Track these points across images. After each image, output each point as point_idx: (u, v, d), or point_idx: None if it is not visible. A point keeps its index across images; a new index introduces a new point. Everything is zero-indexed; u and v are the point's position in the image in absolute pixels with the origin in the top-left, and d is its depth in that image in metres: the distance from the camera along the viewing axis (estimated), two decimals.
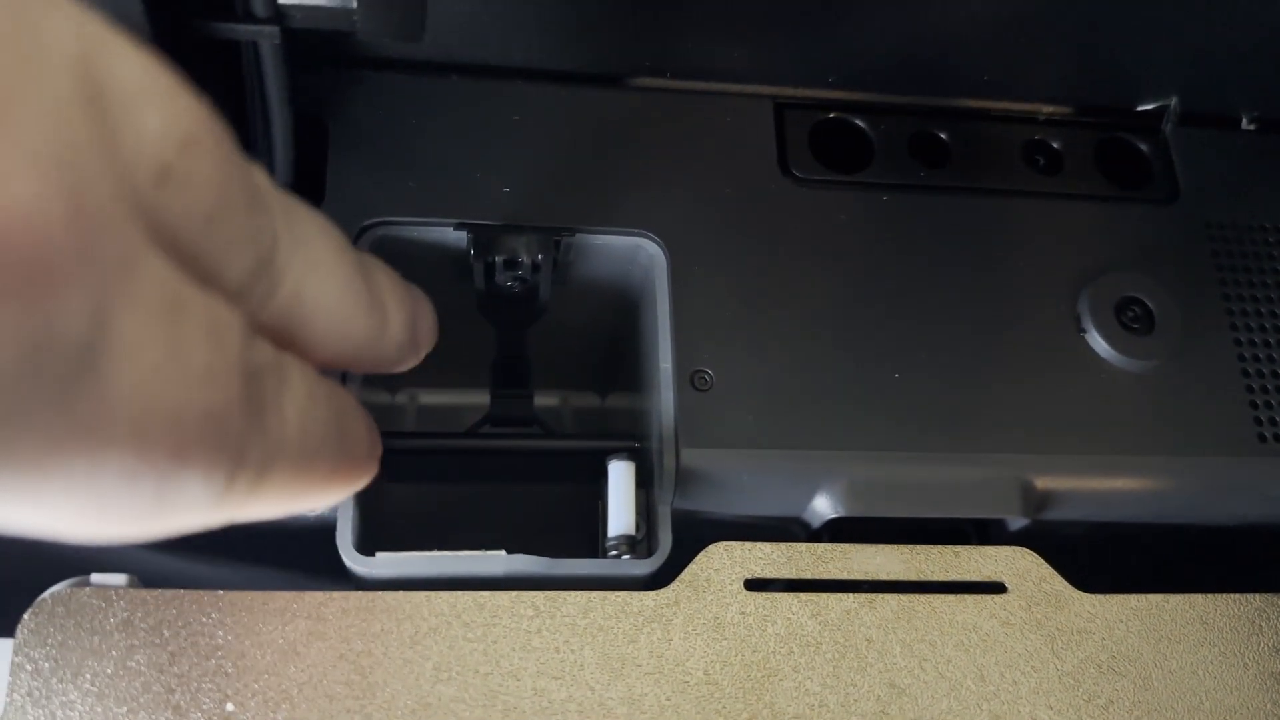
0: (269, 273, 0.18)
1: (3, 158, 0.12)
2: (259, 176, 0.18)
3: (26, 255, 0.12)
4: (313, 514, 0.32)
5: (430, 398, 0.41)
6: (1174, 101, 0.38)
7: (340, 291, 0.20)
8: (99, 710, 0.27)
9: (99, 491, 0.14)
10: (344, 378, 0.30)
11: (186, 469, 0.15)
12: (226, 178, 0.16)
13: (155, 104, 0.15)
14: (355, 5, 0.26)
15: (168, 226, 0.15)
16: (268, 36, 0.26)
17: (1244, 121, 0.39)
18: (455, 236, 0.32)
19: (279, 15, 0.26)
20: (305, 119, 0.32)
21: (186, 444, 0.15)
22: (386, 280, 0.22)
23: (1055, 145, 0.38)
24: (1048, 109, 0.38)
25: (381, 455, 0.23)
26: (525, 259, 0.33)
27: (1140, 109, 0.39)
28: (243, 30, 0.26)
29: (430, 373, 0.32)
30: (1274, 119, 0.39)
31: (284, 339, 0.19)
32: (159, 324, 0.14)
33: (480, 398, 0.38)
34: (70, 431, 0.13)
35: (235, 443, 0.16)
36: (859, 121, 0.37)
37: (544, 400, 0.44)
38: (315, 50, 0.33)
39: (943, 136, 0.37)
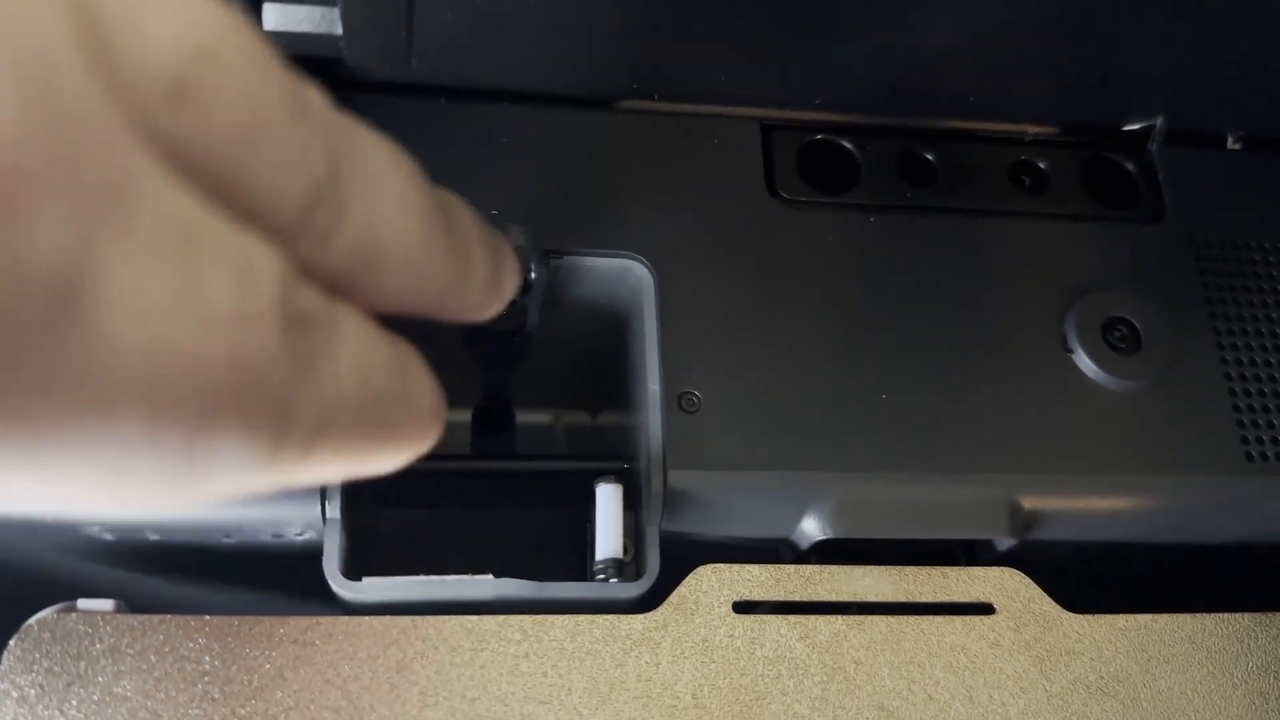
0: (330, 203, 0.15)
1: None
2: (309, 93, 0.15)
3: None
4: (299, 537, 0.32)
5: None
6: (1160, 121, 0.38)
7: (418, 225, 0.17)
8: None
9: (117, 454, 0.13)
10: None
11: (222, 426, 0.13)
12: (261, 92, 0.14)
13: (162, 7, 0.13)
14: (341, 32, 0.26)
15: (192, 150, 0.13)
16: None
17: (1230, 140, 0.39)
18: None
19: None
20: None
21: (218, 398, 0.13)
22: (467, 216, 0.19)
23: (1041, 165, 0.38)
24: (1034, 129, 0.38)
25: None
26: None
27: (1126, 128, 0.39)
28: None
29: None
30: (1260, 138, 0.39)
31: (352, 284, 0.17)
32: (165, 260, 0.13)
33: (464, 414, 0.38)
34: (64, 378, 0.12)
35: (281, 397, 0.14)
36: (846, 143, 0.37)
37: (535, 418, 0.44)
38: (302, 74, 0.33)
39: (929, 157, 0.37)
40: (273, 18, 0.26)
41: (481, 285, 0.20)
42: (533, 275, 0.32)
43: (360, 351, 0.16)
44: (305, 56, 0.27)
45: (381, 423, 0.17)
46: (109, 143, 0.12)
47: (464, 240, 0.19)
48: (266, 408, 0.14)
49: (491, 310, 0.21)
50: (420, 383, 0.18)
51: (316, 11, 0.26)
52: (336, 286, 0.16)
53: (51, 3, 0.12)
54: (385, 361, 0.17)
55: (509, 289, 0.22)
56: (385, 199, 0.16)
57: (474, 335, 0.34)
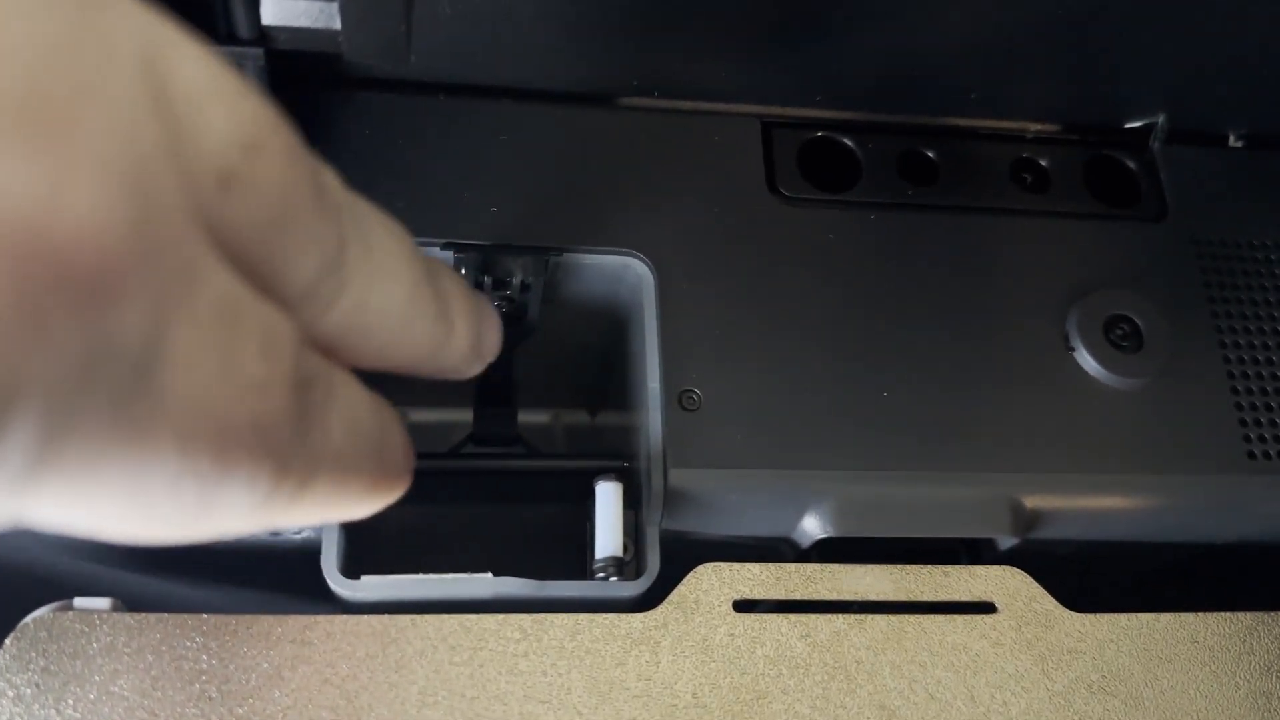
0: (334, 279, 0.17)
1: (68, 166, 0.12)
2: (328, 178, 0.17)
3: (88, 271, 0.12)
4: (298, 536, 0.32)
5: (415, 415, 0.41)
6: (1162, 119, 0.38)
7: (405, 300, 0.19)
8: None
9: (144, 494, 0.14)
10: None
11: (231, 475, 0.15)
12: (293, 181, 0.16)
13: (220, 105, 0.15)
14: (340, 27, 0.26)
15: (230, 231, 0.15)
16: (251, 59, 0.26)
17: (1231, 139, 0.39)
18: (443, 256, 0.32)
19: (263, 37, 0.26)
20: None
21: (233, 451, 0.15)
22: (455, 288, 0.22)
23: (1043, 163, 0.38)
24: (1035, 127, 0.38)
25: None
26: (513, 279, 0.32)
27: (1128, 126, 0.39)
28: (226, 52, 0.26)
29: (414, 390, 0.32)
30: (1261, 136, 0.39)
31: (342, 345, 0.19)
32: (215, 335, 0.14)
33: (466, 414, 0.38)
34: (119, 437, 0.13)
35: (280, 452, 0.16)
36: (847, 140, 0.37)
37: (535, 417, 0.44)
38: (301, 70, 0.33)
39: (930, 155, 0.37)
40: (271, 11, 0.26)
41: (462, 351, 0.22)
42: (530, 278, 0.32)
43: (349, 409, 0.18)
44: (304, 52, 0.27)
45: (360, 475, 0.19)
46: (182, 230, 0.14)
47: (449, 310, 0.21)
48: (268, 460, 0.16)
49: (472, 372, 0.24)
50: (396, 439, 0.20)
51: (315, 6, 0.26)
52: (327, 348, 0.18)
53: (141, 102, 0.13)
54: (368, 418, 0.19)
55: (490, 353, 0.24)
56: (381, 274, 0.18)
57: None
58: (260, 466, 0.15)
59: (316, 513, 0.18)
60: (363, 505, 0.20)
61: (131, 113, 0.13)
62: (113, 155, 0.12)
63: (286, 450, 0.16)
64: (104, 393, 0.13)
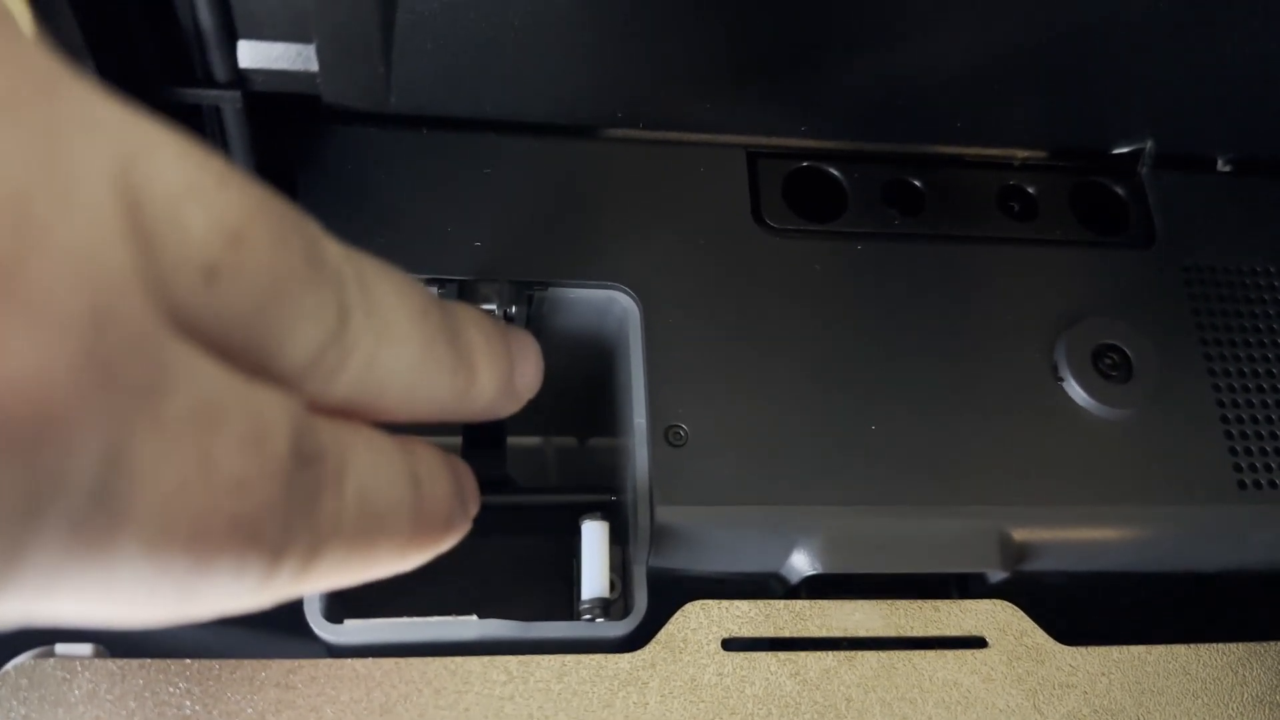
0: (337, 347, 0.17)
1: (9, 322, 0.12)
2: (324, 246, 0.17)
3: (29, 421, 0.12)
4: None
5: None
6: (1149, 145, 0.38)
7: (418, 357, 0.19)
8: None
9: (116, 593, 0.14)
10: None
11: (212, 570, 0.15)
12: (283, 260, 0.15)
13: (199, 202, 0.14)
14: (317, 69, 0.26)
15: (217, 320, 0.15)
16: (229, 101, 0.26)
17: (1219, 164, 0.39)
18: None
19: (240, 80, 0.26)
20: (271, 173, 0.32)
21: (210, 549, 0.14)
22: (478, 335, 0.21)
23: (1030, 190, 0.37)
24: (1022, 154, 0.38)
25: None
26: (498, 313, 0.32)
27: (1115, 152, 0.38)
28: (204, 95, 0.26)
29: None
30: (1249, 161, 0.39)
31: (358, 407, 0.18)
32: (186, 439, 0.14)
33: (455, 439, 0.38)
34: (79, 550, 0.13)
35: (270, 539, 0.15)
36: (832, 170, 0.37)
37: (525, 442, 0.44)
38: (282, 106, 0.32)
39: (917, 184, 0.37)
40: (248, 55, 0.26)
41: (489, 396, 0.21)
42: (513, 310, 0.31)
43: (369, 472, 0.17)
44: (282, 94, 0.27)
45: (390, 532, 0.18)
46: (148, 344, 0.13)
47: (470, 359, 0.20)
48: (254, 548, 0.15)
49: (508, 411, 0.23)
50: (439, 489, 0.20)
51: (293, 49, 0.25)
52: (344, 410, 0.18)
53: (112, 220, 0.13)
54: (393, 476, 0.18)
55: (527, 390, 0.23)
56: (389, 335, 0.18)
57: None
58: (246, 557, 0.15)
59: (339, 579, 0.18)
60: (401, 562, 0.19)
61: (94, 248, 0.13)
62: (62, 304, 0.12)
63: (280, 535, 0.15)
64: (58, 517, 0.12)
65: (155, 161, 0.14)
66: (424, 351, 0.19)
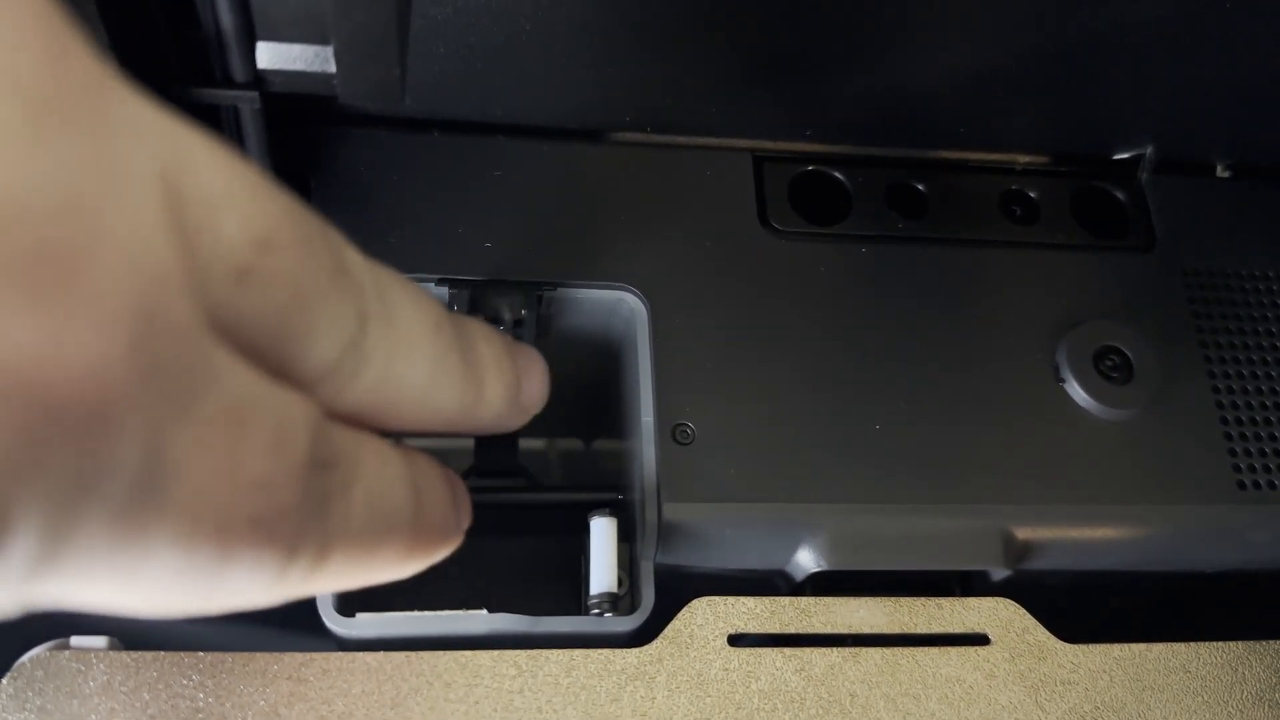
0: (355, 355, 0.17)
1: (68, 318, 0.12)
2: (349, 256, 0.17)
3: (84, 411, 0.12)
4: None
5: (414, 445, 0.41)
6: (1150, 150, 0.38)
7: (430, 369, 0.20)
8: None
9: (147, 581, 0.15)
10: None
11: (235, 563, 0.15)
12: (309, 268, 0.16)
13: (235, 207, 0.15)
14: (334, 70, 0.26)
15: (246, 321, 0.15)
16: (247, 101, 0.27)
17: (1219, 169, 0.40)
18: (437, 292, 0.33)
19: (258, 80, 0.26)
20: (286, 174, 0.32)
21: (235, 543, 0.15)
22: (488, 350, 0.22)
23: (1032, 195, 0.38)
24: (1024, 159, 0.38)
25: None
26: (507, 314, 0.33)
27: (1116, 157, 0.39)
28: (223, 95, 0.27)
29: None
30: (1249, 166, 0.39)
31: (368, 415, 0.19)
32: (220, 436, 0.14)
33: (465, 441, 0.38)
34: (118, 538, 0.14)
35: (287, 537, 0.16)
36: (837, 174, 0.37)
37: (530, 444, 0.44)
38: (297, 108, 0.33)
39: (920, 188, 0.37)
40: (266, 56, 0.26)
41: (496, 410, 0.22)
42: (522, 312, 0.32)
43: (376, 481, 0.18)
44: (298, 94, 0.27)
45: (392, 540, 0.19)
46: (188, 340, 0.14)
47: (478, 373, 0.21)
48: (272, 545, 0.16)
49: (514, 425, 0.24)
50: (436, 500, 0.20)
51: (310, 50, 0.26)
52: (353, 418, 0.18)
53: (158, 222, 0.14)
54: (397, 484, 0.19)
55: (533, 405, 0.24)
56: (404, 347, 0.19)
57: None
58: (264, 553, 0.16)
59: (343, 581, 0.18)
60: (400, 568, 0.20)
61: (144, 243, 0.13)
62: (118, 296, 0.13)
63: (295, 535, 0.16)
64: (103, 503, 0.13)
65: (195, 166, 0.15)
66: (436, 363, 0.20)
